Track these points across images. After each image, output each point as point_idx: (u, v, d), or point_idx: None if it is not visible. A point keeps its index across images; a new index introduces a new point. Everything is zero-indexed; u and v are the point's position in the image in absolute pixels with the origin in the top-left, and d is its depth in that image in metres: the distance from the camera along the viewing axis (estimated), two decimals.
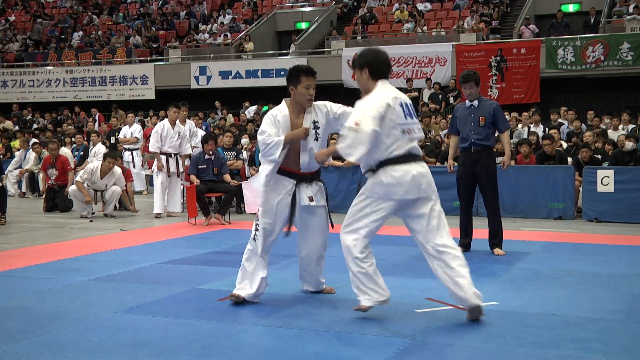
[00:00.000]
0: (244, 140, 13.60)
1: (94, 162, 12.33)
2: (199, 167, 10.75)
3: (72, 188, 11.52)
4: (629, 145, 11.03)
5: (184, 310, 5.29)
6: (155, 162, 11.61)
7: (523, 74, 19.50)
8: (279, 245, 8.52)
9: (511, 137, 13.84)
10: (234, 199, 11.47)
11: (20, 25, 29.83)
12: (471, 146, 7.54)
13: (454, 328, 4.79)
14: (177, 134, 11.56)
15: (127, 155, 14.84)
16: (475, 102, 7.59)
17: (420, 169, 4.87)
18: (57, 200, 12.49)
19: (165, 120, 11.82)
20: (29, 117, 23.45)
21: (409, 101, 4.99)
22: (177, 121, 11.82)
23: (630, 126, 13.85)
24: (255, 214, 5.66)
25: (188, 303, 5.53)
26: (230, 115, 20.62)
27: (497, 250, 7.62)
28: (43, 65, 26.14)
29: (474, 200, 8.04)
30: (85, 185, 11.37)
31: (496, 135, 8.11)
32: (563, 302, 5.45)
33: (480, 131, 7.48)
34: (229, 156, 12.10)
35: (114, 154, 12.15)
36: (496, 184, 7.66)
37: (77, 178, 11.62)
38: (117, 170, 11.62)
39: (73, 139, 16.40)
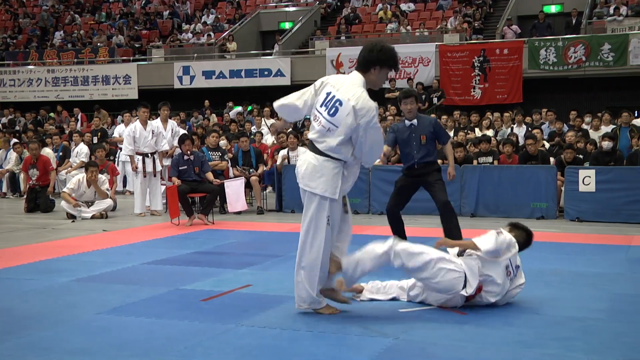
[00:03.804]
0: (222, 142, 13.56)
1: (77, 175, 12.25)
2: (180, 168, 10.71)
3: (63, 202, 11.46)
4: (605, 144, 11.12)
5: (168, 310, 5.28)
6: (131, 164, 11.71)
7: (506, 74, 19.62)
8: (263, 245, 8.54)
9: (495, 137, 13.94)
10: (217, 199, 11.44)
11: (1, 24, 29.57)
12: (415, 165, 7.56)
13: (438, 327, 4.80)
14: (151, 133, 11.57)
15: (123, 155, 14.71)
16: (415, 121, 7.56)
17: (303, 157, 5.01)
18: (38, 201, 12.39)
19: (137, 121, 11.83)
20: (9, 117, 23.22)
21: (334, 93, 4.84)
22: (158, 120, 11.86)
23: (611, 126, 13.97)
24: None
25: (171, 303, 5.51)
26: (214, 115, 20.57)
27: None
28: (24, 64, 25.93)
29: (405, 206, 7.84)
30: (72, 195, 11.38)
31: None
32: (546, 301, 5.49)
33: (423, 149, 7.51)
34: (213, 156, 12.07)
35: (94, 162, 12.15)
36: (443, 182, 7.55)
37: (65, 189, 11.61)
38: (101, 176, 11.67)
39: (54, 139, 16.30)
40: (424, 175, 7.53)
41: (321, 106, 4.85)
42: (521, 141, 13.03)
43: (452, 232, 7.23)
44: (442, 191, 7.44)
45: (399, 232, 7.36)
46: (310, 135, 4.93)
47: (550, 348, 4.32)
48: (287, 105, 5.13)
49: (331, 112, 4.76)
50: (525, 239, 5.53)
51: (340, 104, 4.72)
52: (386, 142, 7.85)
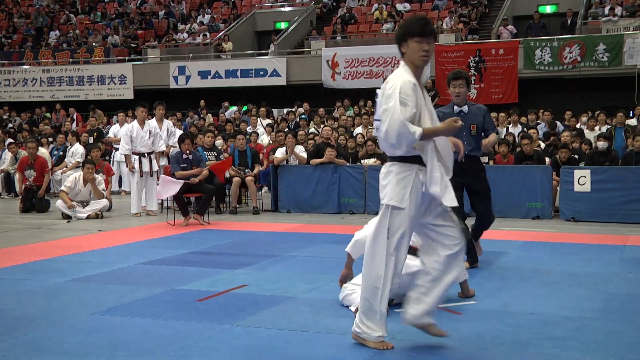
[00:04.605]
0: (218, 142, 13.54)
1: (74, 174, 12.19)
2: (180, 166, 10.71)
3: (58, 202, 11.41)
4: (600, 144, 11.15)
5: (163, 311, 5.27)
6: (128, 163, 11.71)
7: (501, 74, 19.64)
8: (259, 246, 8.54)
9: None
10: (213, 199, 11.43)
11: None
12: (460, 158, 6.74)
13: None
14: (148, 133, 11.56)
15: (118, 155, 14.72)
16: (465, 107, 6.69)
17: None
18: (34, 201, 12.35)
19: (135, 121, 11.82)
20: (4, 116, 23.17)
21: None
22: (154, 120, 11.83)
23: (606, 126, 14.00)
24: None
25: (167, 304, 5.50)
26: (210, 115, 20.57)
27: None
28: (19, 64, 25.86)
29: (464, 205, 6.97)
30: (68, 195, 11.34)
31: None
32: (541, 301, 5.50)
33: (471, 141, 6.64)
34: (209, 156, 12.06)
35: (91, 160, 12.12)
36: (490, 194, 6.94)
37: (62, 187, 11.55)
38: (97, 176, 11.64)
39: (50, 139, 16.28)
40: (468, 175, 6.64)
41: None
42: (517, 140, 13.05)
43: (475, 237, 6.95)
44: (487, 203, 6.82)
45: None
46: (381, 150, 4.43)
47: (545, 348, 4.33)
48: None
49: (376, 113, 4.34)
50: None
51: (377, 97, 4.31)
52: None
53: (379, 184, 4.34)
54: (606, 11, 20.29)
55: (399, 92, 4.10)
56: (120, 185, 15.30)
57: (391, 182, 4.19)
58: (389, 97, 4.13)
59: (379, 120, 4.23)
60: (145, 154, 11.55)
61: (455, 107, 6.69)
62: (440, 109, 6.86)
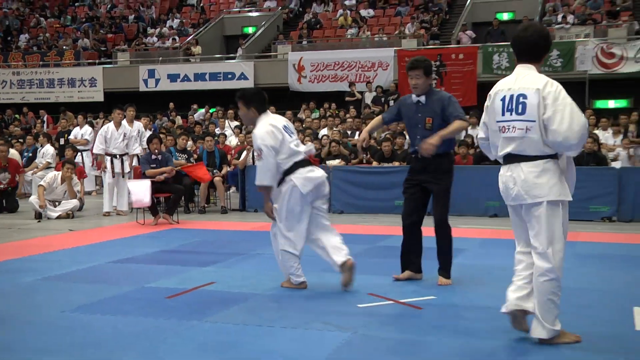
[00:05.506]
0: (188, 143, 13.69)
1: (52, 172, 12.21)
2: (150, 166, 10.87)
3: (33, 197, 11.43)
4: None
5: (133, 308, 5.33)
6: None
7: (461, 78, 20.02)
8: (227, 244, 8.63)
9: None
10: (182, 198, 11.57)
11: None
12: (417, 152, 6.05)
13: (394, 322, 4.98)
14: (123, 135, 11.68)
15: (77, 157, 14.83)
16: (423, 98, 6.00)
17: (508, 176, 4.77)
18: (5, 203, 12.29)
19: (111, 122, 11.93)
20: None
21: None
22: (125, 122, 11.94)
23: None
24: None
25: (136, 301, 5.57)
26: (179, 117, 20.65)
27: (441, 279, 6.14)
28: None
29: (422, 216, 6.24)
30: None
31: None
32: (497, 296, 5.59)
33: (427, 135, 5.86)
34: (180, 158, 12.23)
35: (73, 160, 12.17)
36: (448, 195, 6.17)
37: (42, 182, 11.57)
38: (74, 177, 11.68)
39: (21, 141, 16.26)
40: (425, 172, 6.05)
41: (504, 114, 4.36)
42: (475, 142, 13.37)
43: (447, 255, 6.23)
44: (441, 205, 6.05)
45: (412, 249, 6.24)
46: (508, 150, 4.41)
47: (500, 340, 4.49)
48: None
49: (520, 111, 4.26)
50: (257, 96, 6.36)
51: (525, 97, 4.24)
52: (386, 113, 6.60)
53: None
54: (559, 19, 20.86)
55: (566, 94, 4.17)
56: None
57: (551, 177, 4.34)
58: (564, 97, 4.15)
59: (531, 120, 4.20)
60: (117, 156, 11.68)
61: (414, 97, 6.08)
62: (404, 96, 6.45)
